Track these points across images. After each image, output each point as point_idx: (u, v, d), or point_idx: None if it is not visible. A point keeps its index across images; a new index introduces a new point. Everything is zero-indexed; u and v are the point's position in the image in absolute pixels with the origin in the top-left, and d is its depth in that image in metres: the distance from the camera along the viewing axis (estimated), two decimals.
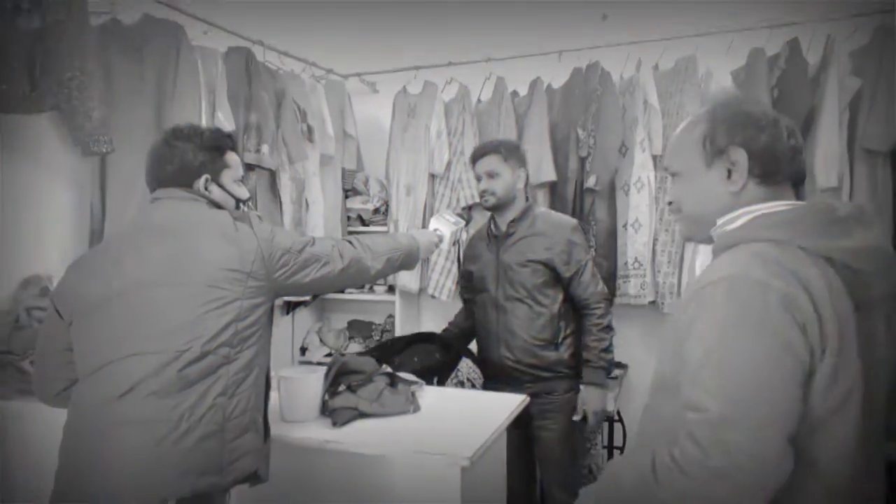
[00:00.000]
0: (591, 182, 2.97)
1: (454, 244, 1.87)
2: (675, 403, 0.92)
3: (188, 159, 1.42)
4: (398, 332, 3.45)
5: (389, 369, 1.81)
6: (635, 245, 2.96)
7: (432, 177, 3.32)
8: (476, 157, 2.29)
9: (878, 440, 0.99)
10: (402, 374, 1.81)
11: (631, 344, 3.21)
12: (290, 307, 3.45)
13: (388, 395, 1.65)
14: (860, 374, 0.92)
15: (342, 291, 3.35)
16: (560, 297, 2.20)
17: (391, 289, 3.49)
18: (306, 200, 3.11)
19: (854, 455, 0.92)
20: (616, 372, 2.98)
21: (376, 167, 3.62)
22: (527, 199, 2.33)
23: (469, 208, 3.25)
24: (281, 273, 1.36)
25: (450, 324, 2.57)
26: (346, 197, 3.56)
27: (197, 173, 1.43)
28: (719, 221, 1.06)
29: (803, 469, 0.89)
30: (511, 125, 3.12)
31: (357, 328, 3.74)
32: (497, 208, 2.27)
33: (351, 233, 3.57)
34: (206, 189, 1.44)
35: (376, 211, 3.54)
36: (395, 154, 3.41)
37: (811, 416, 0.89)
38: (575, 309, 2.23)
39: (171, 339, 1.23)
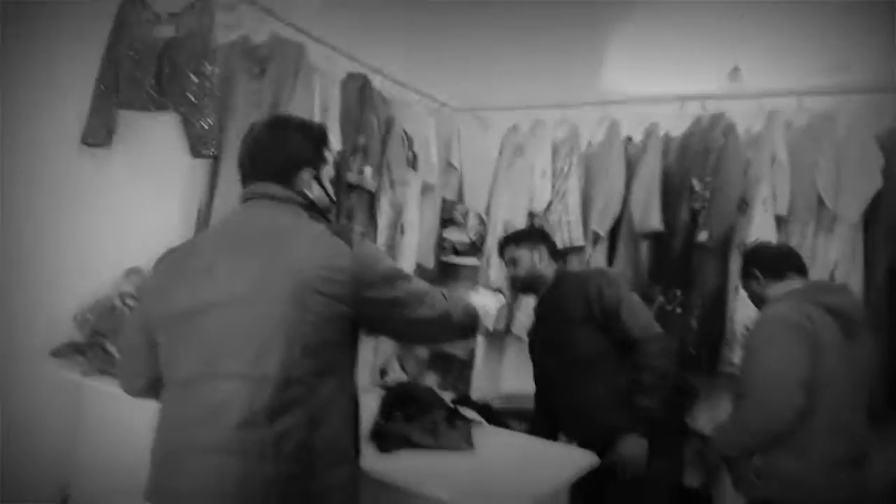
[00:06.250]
0: (702, 237, 2.75)
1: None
2: None
3: (296, 149, 1.31)
4: (477, 369, 3.35)
5: (450, 403, 1.71)
6: (747, 310, 2.68)
7: (531, 216, 3.23)
8: (501, 248, 2.36)
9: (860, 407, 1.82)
10: (464, 410, 1.71)
11: None
12: None
13: (443, 429, 1.56)
14: (844, 367, 1.75)
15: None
16: (613, 350, 2.05)
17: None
18: (402, 225, 3.12)
19: (837, 403, 1.74)
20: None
21: (478, 202, 3.59)
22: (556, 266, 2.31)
23: (565, 253, 3.11)
24: (369, 302, 1.21)
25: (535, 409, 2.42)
26: (444, 227, 3.55)
27: (303, 166, 1.30)
28: (770, 294, 1.92)
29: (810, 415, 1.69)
30: (620, 170, 2.99)
31: (438, 359, 3.67)
32: (525, 290, 2.33)
33: (443, 263, 3.54)
34: (308, 184, 1.31)
35: (472, 244, 3.49)
36: (497, 189, 3.37)
37: (817, 378, 1.70)
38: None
39: (258, 364, 1.12)
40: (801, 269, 1.93)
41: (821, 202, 2.59)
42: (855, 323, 1.80)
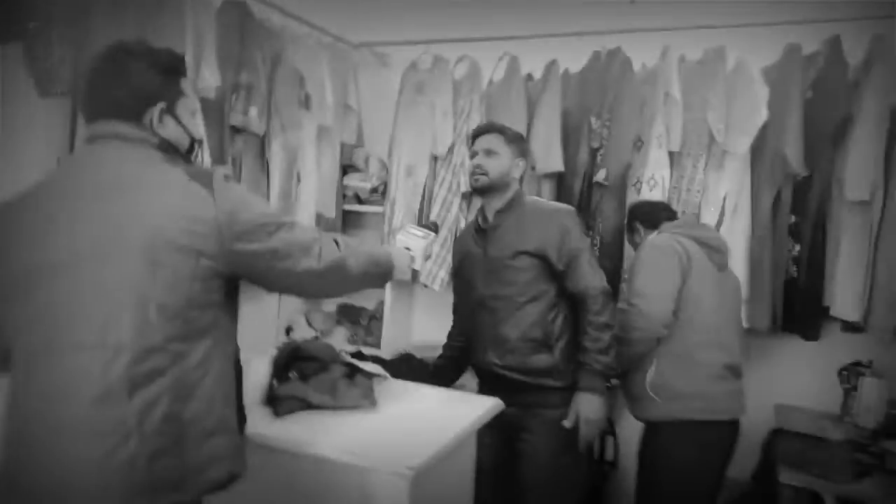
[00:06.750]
0: (600, 176, 2.76)
1: (427, 258, 1.64)
2: None
3: (140, 82, 1.13)
4: (386, 321, 3.29)
5: (349, 358, 1.63)
6: None
7: (434, 158, 3.13)
8: (477, 134, 2.11)
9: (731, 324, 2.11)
10: (365, 365, 1.63)
11: None
12: None
13: (342, 387, 1.48)
14: (714, 288, 2.03)
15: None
16: (553, 292, 1.97)
17: None
18: (298, 172, 2.94)
19: (712, 318, 2.01)
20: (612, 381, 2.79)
21: (379, 144, 3.44)
22: (518, 189, 2.12)
23: (469, 194, 3.06)
24: (240, 254, 1.09)
25: (446, 342, 2.32)
26: (345, 173, 3.38)
27: (150, 100, 1.14)
28: (648, 239, 2.15)
29: (681, 325, 1.96)
30: (521, 110, 2.92)
31: (346, 312, 3.57)
32: (485, 191, 2.06)
33: (346, 211, 3.40)
34: (160, 121, 1.15)
35: (374, 190, 3.35)
36: (399, 132, 3.22)
37: (694, 296, 1.98)
38: (573, 307, 2.00)
39: (109, 331, 1.00)
40: (672, 217, 2.26)
41: (712, 137, 2.65)
42: (722, 255, 2.11)
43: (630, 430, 2.91)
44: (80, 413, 0.99)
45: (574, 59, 2.92)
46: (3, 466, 1.06)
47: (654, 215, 2.21)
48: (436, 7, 3.30)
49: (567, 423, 1.94)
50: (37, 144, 2.14)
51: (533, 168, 2.88)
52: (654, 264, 2.00)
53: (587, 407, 1.91)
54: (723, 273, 2.10)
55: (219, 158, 2.47)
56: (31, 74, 1.81)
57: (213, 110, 2.45)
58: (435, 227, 1.70)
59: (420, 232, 1.64)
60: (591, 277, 1.94)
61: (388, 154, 3.28)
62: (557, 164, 2.81)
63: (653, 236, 2.12)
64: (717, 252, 2.09)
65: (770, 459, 2.34)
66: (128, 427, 0.99)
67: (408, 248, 1.58)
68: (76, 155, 1.14)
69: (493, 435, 1.78)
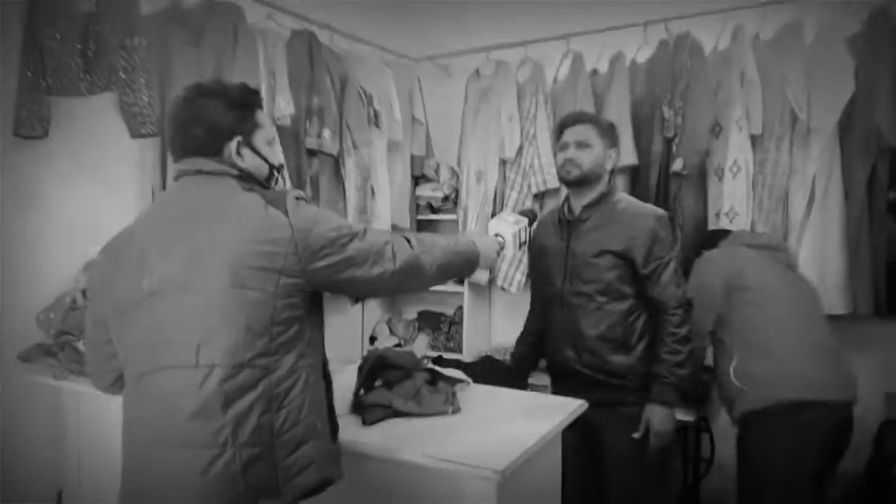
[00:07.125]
0: (677, 165, 2.68)
1: (520, 246, 1.64)
2: None
3: (216, 119, 1.21)
4: (466, 325, 3.32)
5: (432, 365, 1.66)
6: None
7: (503, 162, 3.14)
8: (567, 124, 2.01)
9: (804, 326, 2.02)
10: (447, 371, 1.66)
11: None
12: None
13: (426, 394, 1.51)
14: (781, 281, 2.07)
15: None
16: (635, 293, 1.93)
17: (461, 280, 3.34)
18: (372, 187, 3.03)
19: (785, 305, 2.02)
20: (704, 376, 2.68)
21: (448, 153, 3.49)
22: (609, 183, 2.05)
23: (541, 195, 3.05)
24: (319, 269, 1.15)
25: (522, 332, 2.28)
26: (416, 184, 3.45)
27: (227, 135, 1.22)
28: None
29: (754, 315, 1.99)
30: (589, 106, 2.88)
31: (427, 319, 3.64)
32: (577, 184, 1.99)
33: (420, 221, 3.47)
34: (238, 153, 1.23)
35: (446, 198, 3.40)
36: (466, 139, 3.26)
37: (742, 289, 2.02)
38: (651, 312, 1.95)
39: (202, 352, 1.09)
40: (724, 232, 2.37)
41: (794, 116, 2.52)
42: (786, 254, 2.19)
43: (726, 426, 2.79)
44: (180, 428, 1.08)
45: (639, 49, 2.85)
46: (124, 475, 1.17)
47: (716, 237, 2.30)
48: (494, 13, 3.33)
49: (636, 434, 1.89)
50: (133, 182, 2.33)
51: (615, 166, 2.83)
52: (696, 278, 2.09)
53: (657, 419, 1.86)
54: (792, 273, 2.14)
55: (297, 181, 2.59)
56: (123, 119, 1.97)
57: (289, 135, 2.58)
58: (532, 214, 1.68)
59: (512, 217, 1.61)
60: (673, 288, 1.89)
61: (458, 162, 3.32)
62: (631, 158, 2.75)
63: (719, 249, 2.17)
64: (779, 251, 2.17)
65: (883, 454, 2.17)
66: (223, 439, 1.06)
67: (498, 235, 1.57)
68: (167, 191, 1.24)
69: (575, 434, 1.75)
